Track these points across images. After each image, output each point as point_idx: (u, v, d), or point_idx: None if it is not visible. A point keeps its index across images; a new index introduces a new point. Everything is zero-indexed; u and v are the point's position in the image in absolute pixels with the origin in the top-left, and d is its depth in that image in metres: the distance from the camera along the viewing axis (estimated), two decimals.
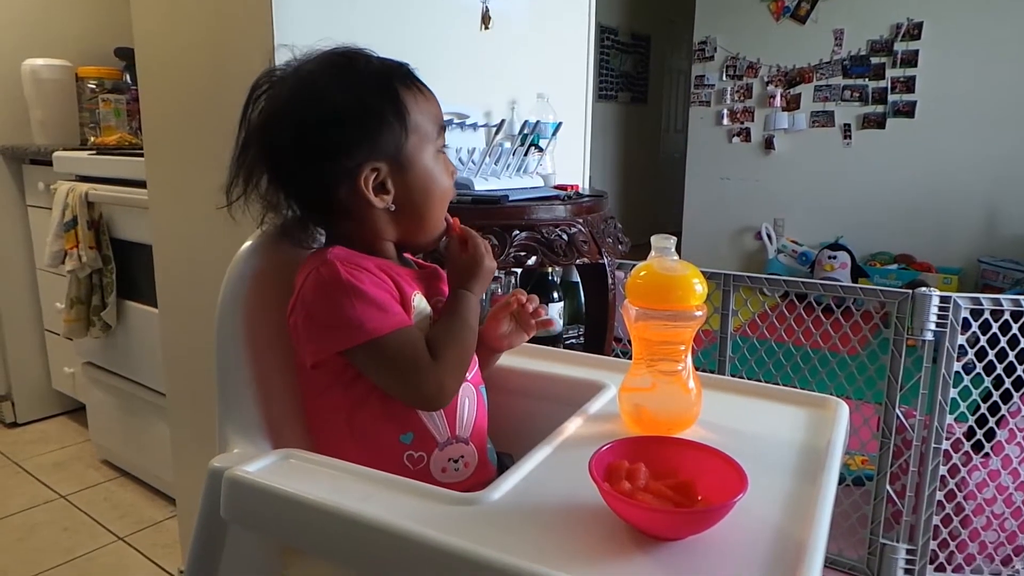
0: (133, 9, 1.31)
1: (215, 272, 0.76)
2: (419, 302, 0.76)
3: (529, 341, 0.87)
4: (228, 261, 0.76)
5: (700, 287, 0.69)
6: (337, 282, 0.69)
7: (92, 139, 2.22)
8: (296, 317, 0.72)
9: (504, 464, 0.81)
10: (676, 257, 0.70)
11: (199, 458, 0.65)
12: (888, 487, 1.52)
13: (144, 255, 1.50)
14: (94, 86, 2.29)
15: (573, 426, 0.73)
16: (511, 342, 0.85)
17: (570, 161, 1.81)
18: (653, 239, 0.71)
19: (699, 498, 0.56)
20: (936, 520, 1.51)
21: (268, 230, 0.79)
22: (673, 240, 0.70)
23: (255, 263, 0.76)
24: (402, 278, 0.75)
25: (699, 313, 0.69)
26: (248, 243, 0.77)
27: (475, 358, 0.82)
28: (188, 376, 1.38)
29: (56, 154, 1.98)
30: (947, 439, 1.47)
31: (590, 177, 1.95)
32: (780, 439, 0.72)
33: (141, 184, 1.43)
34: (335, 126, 0.72)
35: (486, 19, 1.46)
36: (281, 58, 1.06)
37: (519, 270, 1.45)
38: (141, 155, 1.41)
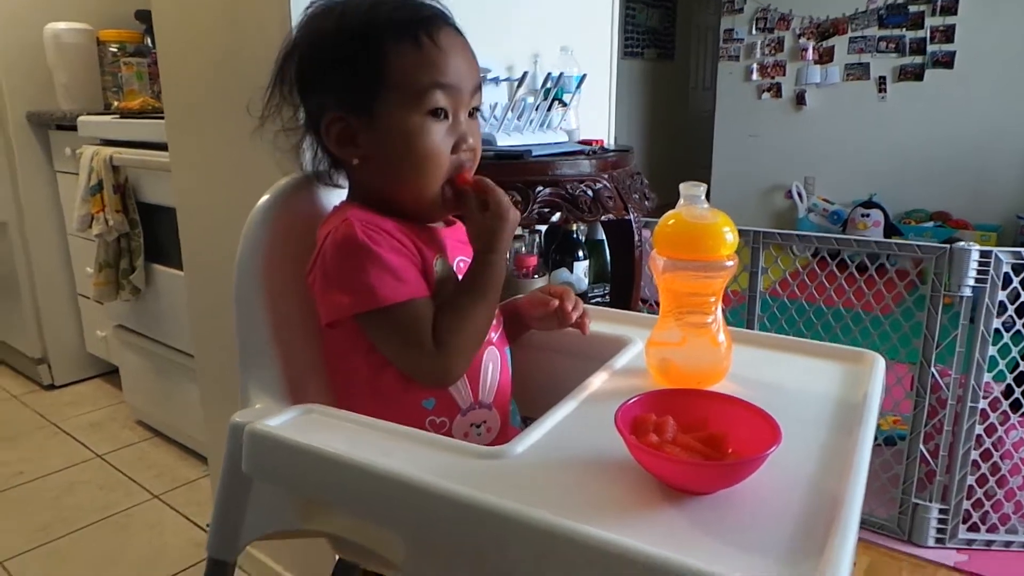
0: None
1: (237, 233, 0.74)
2: (440, 267, 0.73)
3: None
4: None
5: (731, 236, 0.66)
6: (354, 243, 0.66)
7: (115, 103, 2.22)
8: (314, 275, 0.70)
9: None
10: (706, 205, 0.67)
11: (228, 417, 0.64)
12: (922, 446, 1.49)
13: (170, 219, 1.50)
14: (115, 50, 2.28)
15: (599, 381, 0.72)
16: (546, 326, 0.83)
17: (595, 117, 1.77)
18: (682, 187, 0.68)
19: (729, 451, 0.55)
20: (971, 480, 1.48)
21: (291, 180, 0.78)
22: (703, 187, 0.67)
23: (272, 218, 0.75)
24: (423, 240, 0.73)
25: (730, 263, 0.66)
26: (265, 197, 0.75)
27: (499, 318, 0.80)
28: (214, 337, 1.39)
29: (80, 119, 1.98)
30: (984, 398, 1.44)
31: (616, 136, 1.90)
32: (814, 393, 0.70)
33: (165, 147, 1.43)
34: (312, 63, 0.72)
35: None
36: (297, 17, 1.04)
37: (543, 227, 1.42)
38: (164, 118, 1.40)
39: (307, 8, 0.74)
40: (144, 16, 2.29)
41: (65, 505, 1.70)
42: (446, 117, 0.71)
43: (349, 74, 0.70)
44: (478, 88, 0.74)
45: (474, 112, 0.75)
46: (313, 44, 0.73)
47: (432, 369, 0.68)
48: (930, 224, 3.98)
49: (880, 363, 0.75)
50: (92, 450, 1.96)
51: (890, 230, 3.93)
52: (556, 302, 0.80)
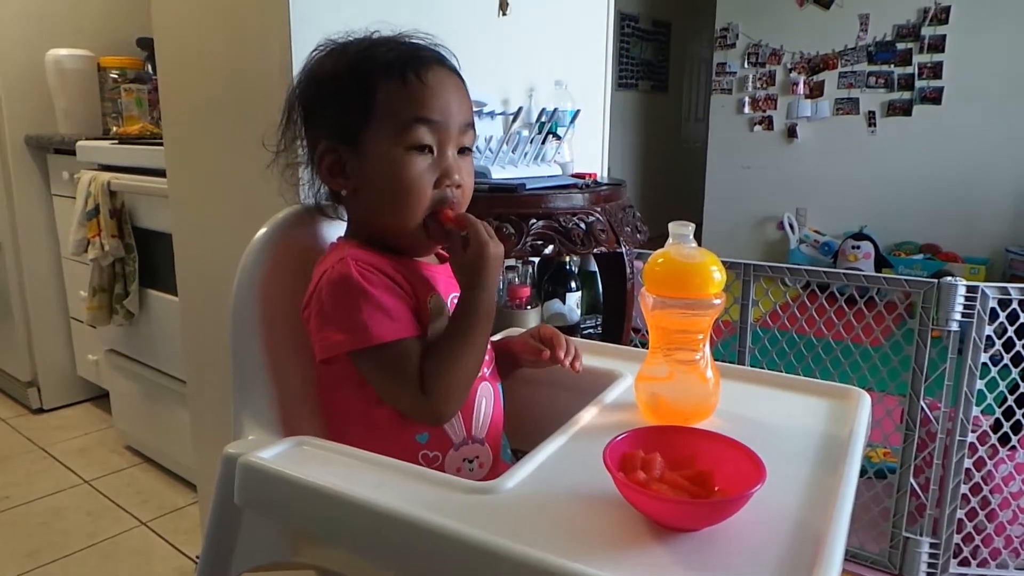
0: (153, 1, 1.31)
1: (234, 261, 0.76)
2: (435, 304, 0.74)
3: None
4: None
5: (718, 275, 0.67)
6: (348, 283, 0.68)
7: (114, 128, 2.24)
8: (309, 311, 0.71)
9: None
10: (694, 244, 0.69)
11: (219, 445, 0.65)
12: (912, 480, 1.49)
13: (166, 244, 1.51)
14: (116, 76, 2.30)
15: (588, 415, 0.73)
16: (537, 366, 0.83)
17: (588, 150, 1.80)
18: (671, 226, 0.70)
19: (716, 489, 0.55)
20: (961, 514, 1.48)
21: (288, 212, 0.79)
22: (691, 227, 0.69)
23: (270, 250, 0.76)
24: (417, 278, 0.74)
25: (717, 301, 0.68)
26: (263, 230, 0.77)
27: (491, 353, 0.81)
28: (208, 364, 1.39)
29: (79, 143, 2.00)
30: (973, 431, 1.45)
31: (609, 166, 1.93)
32: (800, 430, 0.71)
33: (162, 173, 1.44)
34: (311, 98, 0.76)
35: (504, 5, 1.45)
36: (297, 49, 1.07)
37: (536, 259, 1.44)
38: (162, 144, 1.42)
39: (314, 49, 0.78)
40: (145, 43, 2.32)
41: (52, 531, 1.68)
42: (430, 152, 0.73)
43: (341, 107, 0.73)
44: (469, 126, 0.75)
45: (465, 150, 0.76)
46: (314, 80, 0.76)
47: (421, 409, 0.69)
48: (920, 256, 4.02)
49: (866, 400, 0.76)
50: (80, 475, 1.95)
51: (880, 262, 3.97)
52: (547, 352, 0.80)
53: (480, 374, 0.76)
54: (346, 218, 0.81)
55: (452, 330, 0.71)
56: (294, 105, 0.78)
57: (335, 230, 0.82)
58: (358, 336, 0.67)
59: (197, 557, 1.57)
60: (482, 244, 0.71)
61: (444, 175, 0.73)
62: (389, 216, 0.74)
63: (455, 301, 0.76)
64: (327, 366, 0.72)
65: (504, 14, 1.45)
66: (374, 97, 0.71)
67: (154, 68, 2.16)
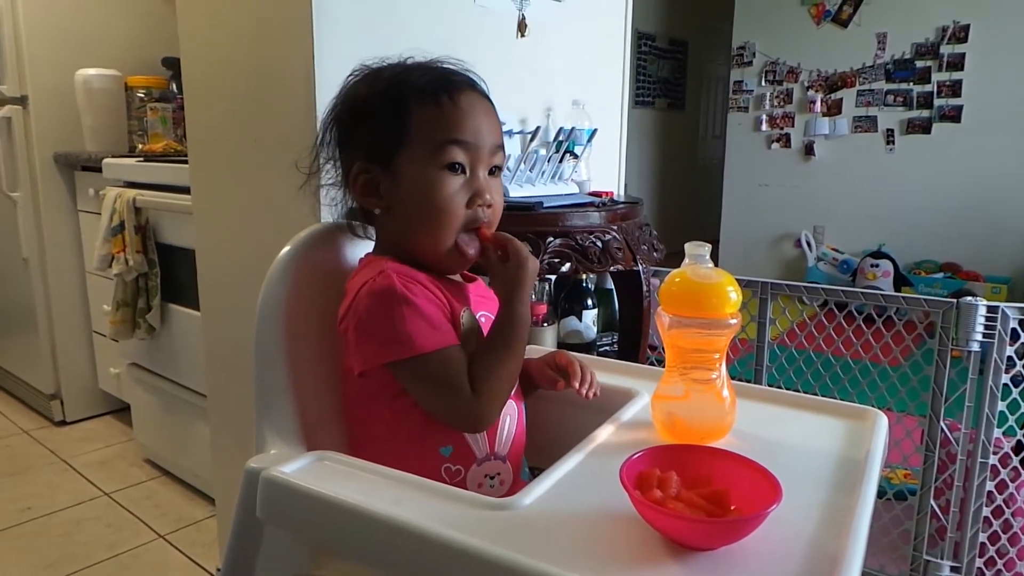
0: (180, 23, 1.35)
1: (256, 276, 0.78)
2: (467, 319, 0.76)
3: (561, 347, 0.87)
4: (269, 266, 0.78)
5: (734, 295, 0.68)
6: (391, 294, 0.69)
7: (140, 146, 2.29)
8: (347, 324, 0.73)
9: None
10: (711, 264, 0.70)
11: (238, 459, 0.66)
12: (932, 502, 1.48)
13: (188, 260, 1.53)
14: (142, 95, 2.36)
15: (605, 433, 0.73)
16: (554, 388, 0.84)
17: (605, 168, 1.81)
18: (687, 246, 0.70)
19: (732, 508, 0.56)
20: (983, 537, 1.46)
21: (313, 230, 0.81)
22: (707, 247, 0.70)
23: (294, 267, 0.78)
24: (451, 292, 0.76)
25: (733, 321, 0.68)
26: (288, 247, 0.78)
27: None
28: (229, 378, 1.41)
29: (105, 161, 2.04)
30: (994, 453, 1.43)
31: (626, 184, 1.94)
32: (816, 450, 0.71)
33: (186, 190, 1.47)
34: (347, 121, 0.79)
35: (522, 27, 1.47)
36: (321, 70, 1.09)
37: (553, 277, 1.45)
38: (186, 162, 1.45)
39: (349, 74, 0.81)
40: (170, 63, 2.38)
41: (72, 542, 1.70)
42: (463, 172, 0.75)
43: (376, 130, 0.76)
44: (499, 147, 0.78)
45: (495, 170, 0.78)
46: (349, 104, 0.79)
47: (468, 413, 0.70)
48: (940, 275, 3.98)
49: (883, 421, 0.76)
50: (100, 488, 1.97)
51: (900, 281, 3.93)
52: (562, 383, 0.82)
53: None
54: (374, 237, 0.83)
55: (494, 338, 0.74)
56: (329, 127, 0.80)
57: (359, 248, 0.83)
58: (402, 346, 0.69)
59: (217, 570, 1.58)
60: (523, 259, 0.75)
61: (476, 195, 0.76)
62: (422, 234, 0.76)
63: (482, 319, 0.78)
64: (361, 379, 0.73)
65: (523, 35, 1.48)
66: (408, 120, 0.74)
67: (179, 87, 2.22)
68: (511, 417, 0.78)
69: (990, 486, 1.44)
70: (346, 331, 0.73)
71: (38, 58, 2.24)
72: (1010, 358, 1.40)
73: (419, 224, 0.75)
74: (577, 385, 0.80)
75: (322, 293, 0.76)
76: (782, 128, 4.64)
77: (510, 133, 1.45)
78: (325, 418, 0.77)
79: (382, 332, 0.70)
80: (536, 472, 0.82)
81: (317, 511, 0.60)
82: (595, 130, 1.53)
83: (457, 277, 0.82)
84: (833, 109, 4.43)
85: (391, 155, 0.75)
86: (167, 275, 1.92)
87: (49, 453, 2.19)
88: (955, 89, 4.00)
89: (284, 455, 0.68)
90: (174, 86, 2.37)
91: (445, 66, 0.79)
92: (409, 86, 0.75)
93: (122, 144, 2.37)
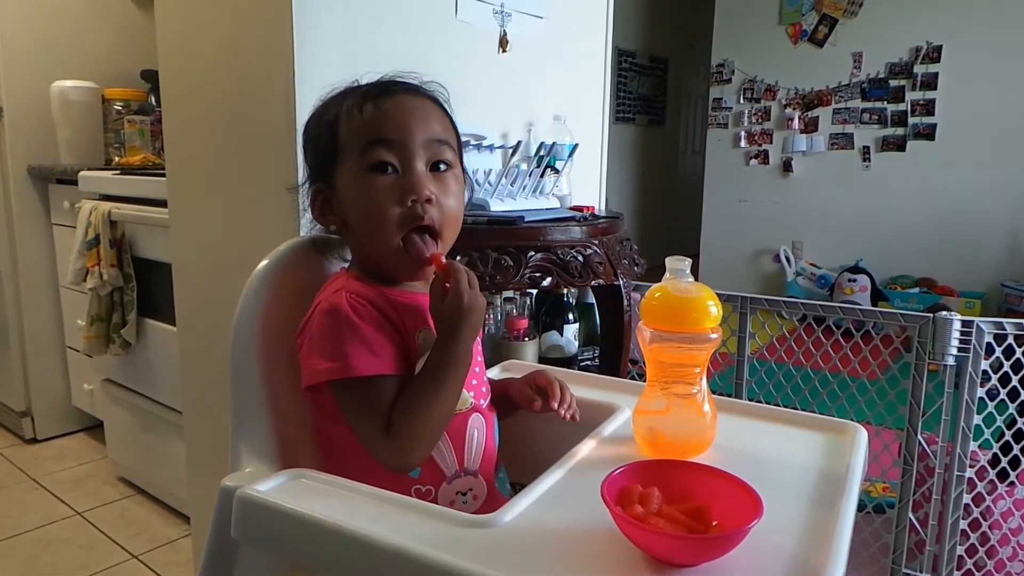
0: (159, 35, 1.34)
1: (233, 291, 0.77)
2: (423, 339, 0.73)
3: (542, 362, 0.87)
4: (246, 280, 0.77)
5: (715, 309, 0.68)
6: (338, 313, 0.69)
7: (117, 159, 2.26)
8: (302, 339, 0.73)
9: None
10: (691, 279, 0.70)
11: (214, 477, 0.65)
12: (911, 515, 1.48)
13: (165, 274, 1.51)
14: (120, 107, 2.33)
15: (586, 448, 0.73)
16: (532, 408, 0.82)
17: (586, 183, 1.82)
18: (668, 261, 0.71)
19: (714, 523, 0.55)
20: (960, 550, 1.47)
21: (290, 244, 0.81)
22: (688, 262, 0.70)
23: (271, 282, 0.77)
24: (408, 312, 0.74)
25: (714, 335, 0.68)
26: (265, 262, 0.77)
27: (486, 384, 0.81)
28: (205, 395, 1.39)
29: (81, 174, 2.02)
30: (971, 467, 1.44)
31: (607, 199, 1.95)
32: (797, 464, 0.71)
33: (163, 204, 1.45)
34: (304, 147, 0.82)
35: (504, 43, 1.48)
36: (301, 84, 1.09)
37: (534, 291, 1.45)
38: (164, 175, 1.44)
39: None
40: (149, 75, 2.36)
41: (43, 563, 1.66)
42: (394, 171, 0.73)
43: (318, 151, 0.78)
44: (438, 141, 0.75)
45: (442, 166, 0.75)
46: (304, 132, 0.82)
47: (382, 451, 0.68)
48: (916, 290, 4.04)
49: (862, 435, 0.76)
50: (72, 507, 1.93)
51: (876, 295, 3.98)
52: (540, 403, 0.80)
53: (472, 405, 0.76)
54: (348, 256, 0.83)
55: (423, 378, 0.70)
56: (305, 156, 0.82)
57: (336, 263, 0.83)
58: (338, 366, 0.68)
59: None
60: (459, 294, 0.69)
61: (408, 191, 0.72)
62: (367, 241, 0.75)
63: None
64: (319, 396, 0.72)
65: (504, 51, 1.48)
66: (337, 133, 0.75)
67: (158, 100, 2.20)
68: (479, 430, 0.77)
69: (967, 499, 1.45)
70: (300, 345, 0.73)
71: (13, 69, 2.21)
72: (985, 372, 1.42)
73: (361, 231, 0.75)
74: (555, 405, 0.79)
75: (299, 308, 0.75)
76: (760, 145, 4.70)
77: (491, 148, 1.45)
78: (302, 435, 0.75)
79: (325, 350, 0.69)
80: (517, 488, 0.81)
81: (294, 529, 0.59)
82: (576, 145, 1.53)
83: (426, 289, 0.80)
84: (810, 126, 4.50)
85: (331, 172, 0.76)
86: (143, 289, 1.89)
87: (19, 472, 2.13)
88: (929, 108, 4.08)
89: (260, 472, 0.67)
90: (153, 99, 2.34)
91: (391, 79, 0.78)
92: (342, 103, 0.76)
93: (98, 157, 2.34)
